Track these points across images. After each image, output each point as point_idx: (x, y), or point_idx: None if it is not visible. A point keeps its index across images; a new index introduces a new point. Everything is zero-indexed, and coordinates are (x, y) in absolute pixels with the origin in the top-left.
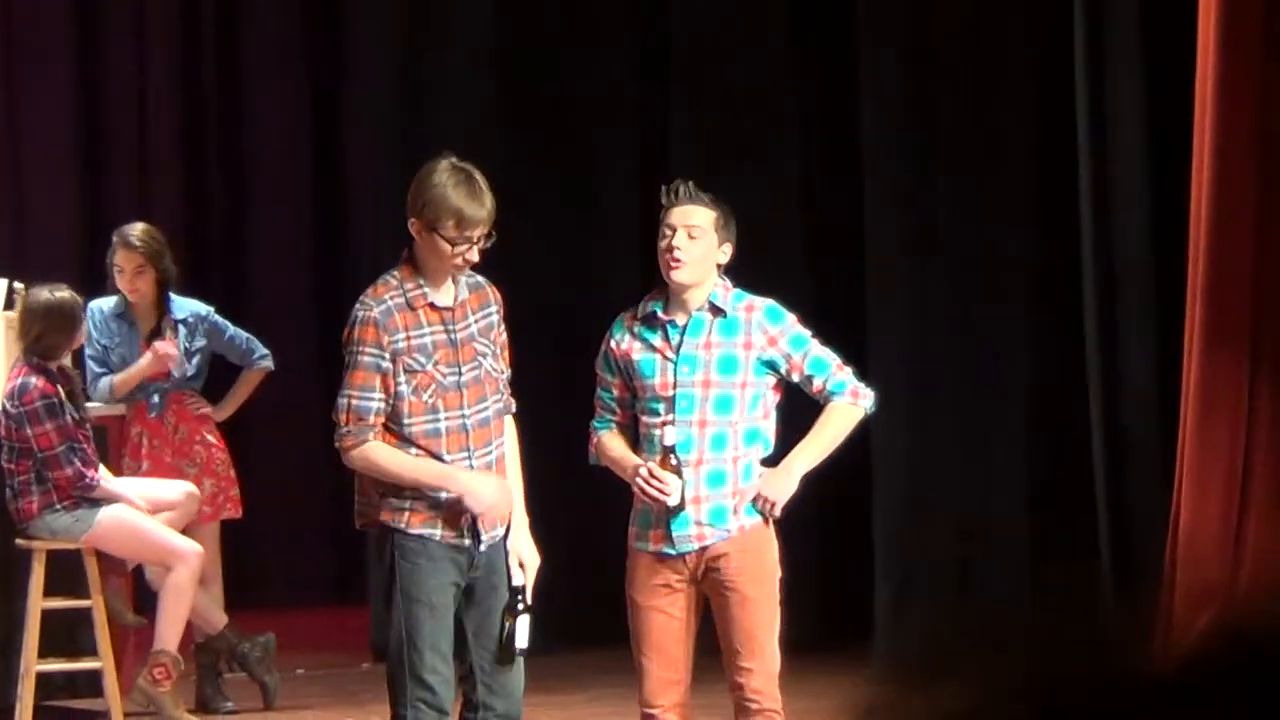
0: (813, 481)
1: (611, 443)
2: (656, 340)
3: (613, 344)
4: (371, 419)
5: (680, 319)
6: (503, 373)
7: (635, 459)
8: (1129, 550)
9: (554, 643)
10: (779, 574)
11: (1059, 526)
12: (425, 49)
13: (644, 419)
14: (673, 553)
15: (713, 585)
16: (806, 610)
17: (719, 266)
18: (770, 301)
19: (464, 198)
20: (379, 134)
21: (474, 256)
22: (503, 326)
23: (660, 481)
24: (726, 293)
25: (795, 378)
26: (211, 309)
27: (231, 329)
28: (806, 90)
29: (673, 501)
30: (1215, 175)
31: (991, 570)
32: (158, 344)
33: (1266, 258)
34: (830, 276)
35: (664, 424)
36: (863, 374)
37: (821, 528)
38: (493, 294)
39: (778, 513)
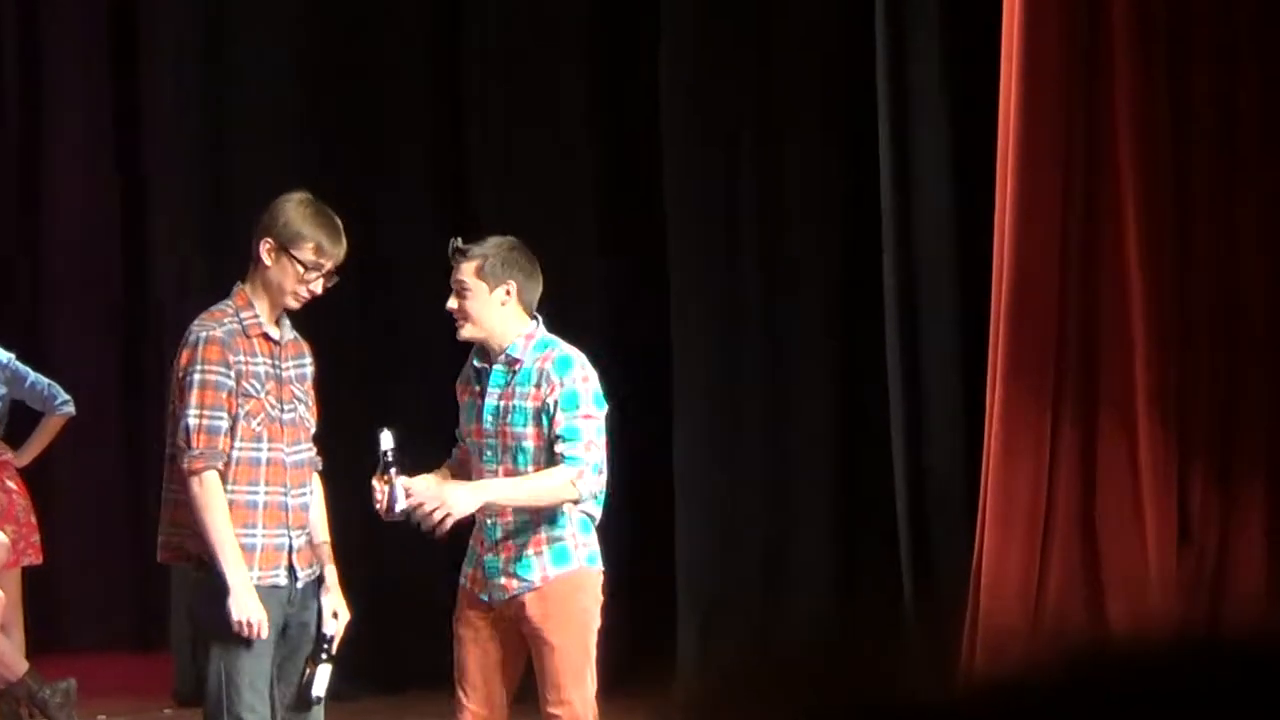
0: (616, 519)
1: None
2: (476, 387)
3: (458, 385)
4: (221, 441)
5: (486, 367)
6: (313, 426)
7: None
8: (932, 588)
9: (363, 684)
10: (595, 622)
11: (863, 566)
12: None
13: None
14: (486, 599)
15: (526, 632)
16: (610, 651)
17: (521, 308)
18: (569, 352)
19: (326, 227)
20: (182, 180)
21: (318, 289)
22: (314, 384)
23: (375, 493)
24: (528, 342)
25: (552, 431)
26: (12, 355)
27: (32, 375)
28: (606, 126)
29: (381, 509)
30: (1018, 219)
31: (795, 609)
32: None
33: (1068, 300)
34: (634, 312)
35: (381, 431)
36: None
37: (625, 567)
38: (308, 349)
39: (438, 521)
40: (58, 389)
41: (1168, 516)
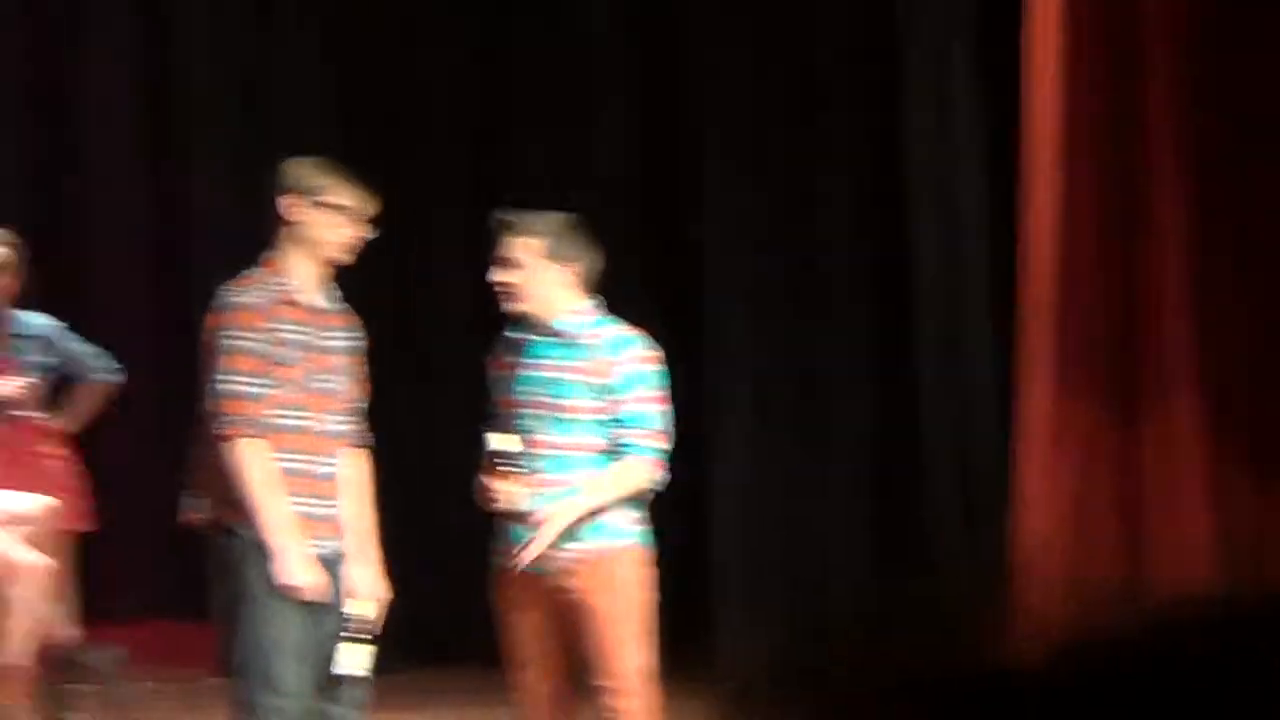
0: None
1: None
2: (510, 359)
3: (490, 358)
4: (253, 408)
5: (530, 339)
6: (355, 401)
7: None
8: (970, 570)
9: (400, 657)
10: (643, 593)
11: (898, 552)
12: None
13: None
14: (522, 570)
15: (566, 603)
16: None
17: (575, 286)
18: (627, 332)
19: (344, 175)
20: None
21: (360, 233)
22: (363, 358)
23: (489, 491)
24: (576, 317)
25: (615, 410)
26: (62, 325)
27: (79, 343)
28: (641, 104)
29: (502, 506)
30: (1058, 218)
31: (832, 596)
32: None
33: (1113, 288)
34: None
35: (489, 432)
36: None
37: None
38: (357, 322)
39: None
40: (105, 356)
41: (1205, 497)
